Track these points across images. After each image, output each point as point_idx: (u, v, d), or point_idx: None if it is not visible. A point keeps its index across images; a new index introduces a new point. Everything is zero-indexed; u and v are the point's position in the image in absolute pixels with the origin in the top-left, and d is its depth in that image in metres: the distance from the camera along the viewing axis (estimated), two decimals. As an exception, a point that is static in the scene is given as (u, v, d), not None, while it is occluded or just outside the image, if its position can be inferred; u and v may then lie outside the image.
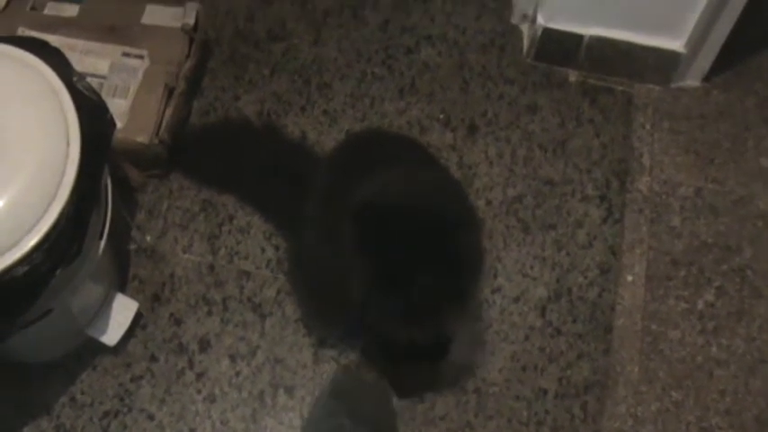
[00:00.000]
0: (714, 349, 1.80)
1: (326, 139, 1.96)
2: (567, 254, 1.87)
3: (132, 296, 1.78)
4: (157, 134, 1.81)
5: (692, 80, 2.03)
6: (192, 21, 1.92)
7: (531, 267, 1.86)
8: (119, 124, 1.61)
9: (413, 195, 1.42)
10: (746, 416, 1.74)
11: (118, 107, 1.79)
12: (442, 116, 2.01)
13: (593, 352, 1.79)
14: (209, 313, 1.79)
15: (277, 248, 1.85)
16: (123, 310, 1.73)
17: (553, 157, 1.97)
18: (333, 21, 2.12)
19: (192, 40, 1.92)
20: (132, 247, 1.84)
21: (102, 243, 1.57)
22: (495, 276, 1.85)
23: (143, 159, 1.83)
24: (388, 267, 1.39)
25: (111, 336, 1.71)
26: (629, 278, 1.85)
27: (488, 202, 1.91)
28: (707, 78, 2.04)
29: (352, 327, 1.71)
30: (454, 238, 1.40)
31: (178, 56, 1.89)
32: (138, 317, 1.75)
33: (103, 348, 1.72)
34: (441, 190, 1.51)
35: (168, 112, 1.83)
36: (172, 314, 1.79)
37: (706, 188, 1.93)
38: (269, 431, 1.71)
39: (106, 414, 1.71)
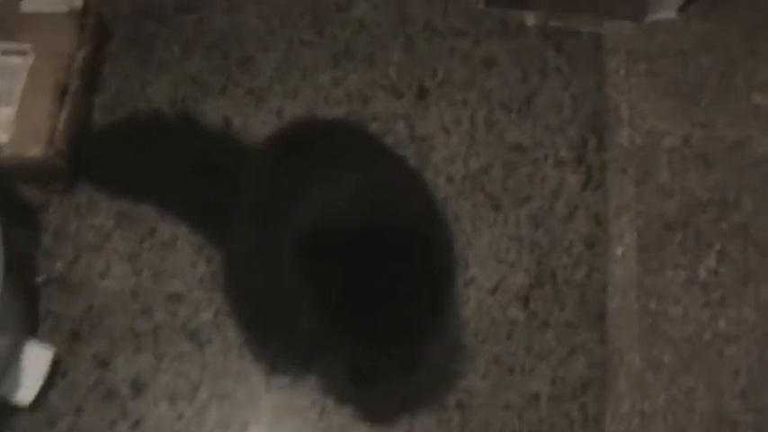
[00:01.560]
0: (722, 323, 1.55)
1: (254, 123, 1.66)
2: (547, 230, 1.61)
3: (47, 337, 1.50)
4: (53, 144, 1.49)
5: (666, 11, 1.74)
6: (79, 2, 1.59)
7: (507, 251, 1.59)
8: (4, 137, 1.42)
9: (364, 213, 1.21)
10: (766, 395, 1.51)
11: (1, 116, 1.49)
12: (385, 82, 1.71)
13: (588, 343, 1.54)
14: (139, 349, 1.51)
15: (209, 262, 1.56)
16: (36, 360, 1.44)
17: (519, 118, 1.69)
18: (248, -19, 1.78)
19: (82, 26, 1.59)
20: (41, 278, 1.53)
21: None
22: (467, 266, 1.58)
23: (39, 175, 1.51)
24: (341, 301, 1.19)
25: (25, 393, 1.43)
26: (619, 251, 1.60)
27: (449, 179, 1.63)
28: (683, 8, 1.75)
29: (308, 346, 1.41)
30: (420, 255, 1.19)
31: (68, 46, 1.56)
32: (56, 363, 1.47)
33: (19, 408, 1.44)
34: (395, 198, 1.23)
35: (63, 115, 1.51)
36: (95, 354, 1.50)
37: (694, 135, 1.67)
38: (223, 483, 1.44)
39: None
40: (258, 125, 1.65)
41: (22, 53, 1.53)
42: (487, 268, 1.57)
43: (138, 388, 1.48)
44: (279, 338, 1.45)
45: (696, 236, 1.60)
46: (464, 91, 1.71)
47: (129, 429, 1.46)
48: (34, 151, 1.48)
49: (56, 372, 1.48)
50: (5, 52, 1.54)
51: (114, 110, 1.66)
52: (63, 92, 1.53)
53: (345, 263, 1.18)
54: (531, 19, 1.76)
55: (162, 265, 1.56)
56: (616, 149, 1.66)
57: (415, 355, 1.42)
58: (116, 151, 1.61)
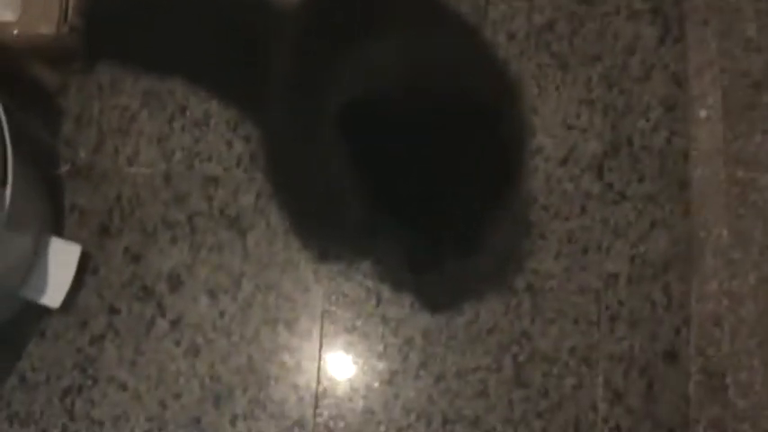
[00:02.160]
0: None
1: None
2: (621, 91, 1.43)
3: (73, 233, 1.38)
4: (66, 19, 1.33)
5: None
6: None
7: (578, 116, 1.42)
8: (10, 16, 1.27)
9: (414, 79, 1.00)
10: None
11: (5, -9, 1.32)
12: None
13: (670, 217, 1.38)
14: (174, 240, 1.38)
15: (247, 140, 1.41)
16: (63, 259, 1.32)
17: None
18: None
19: None
20: (63, 169, 1.39)
21: (9, 186, 1.11)
22: (534, 134, 1.41)
23: (54, 55, 1.35)
24: (393, 179, 1.01)
25: (54, 295, 1.31)
26: (703, 113, 1.42)
27: (510, 37, 1.45)
28: None
29: (360, 230, 1.24)
30: (480, 124, 0.99)
31: None
32: (84, 260, 1.34)
33: (49, 310, 1.32)
34: (450, 61, 1.04)
35: (75, -15, 1.32)
36: (127, 249, 1.38)
37: (787, -21, 1.44)
38: (274, 382, 1.31)
39: (67, 391, 1.34)
40: None
41: None
42: (556, 135, 1.41)
43: (175, 283, 1.36)
44: (327, 223, 1.27)
45: (788, 94, 1.40)
46: None
47: (168, 328, 1.34)
48: (45, 28, 1.32)
49: (86, 269, 1.36)
50: None
51: None
52: (72, -39, 1.35)
53: (395, 136, 1.00)
54: None
55: (195, 147, 1.41)
56: (696, -2, 1.45)
57: (478, 237, 1.27)
58: (137, 21, 1.41)
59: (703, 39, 1.43)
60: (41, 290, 1.29)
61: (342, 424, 1.31)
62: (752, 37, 1.42)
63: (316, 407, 1.31)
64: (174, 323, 1.34)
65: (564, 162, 1.39)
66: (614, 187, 1.38)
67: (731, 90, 1.40)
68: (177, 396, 1.32)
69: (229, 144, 1.39)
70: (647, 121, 1.40)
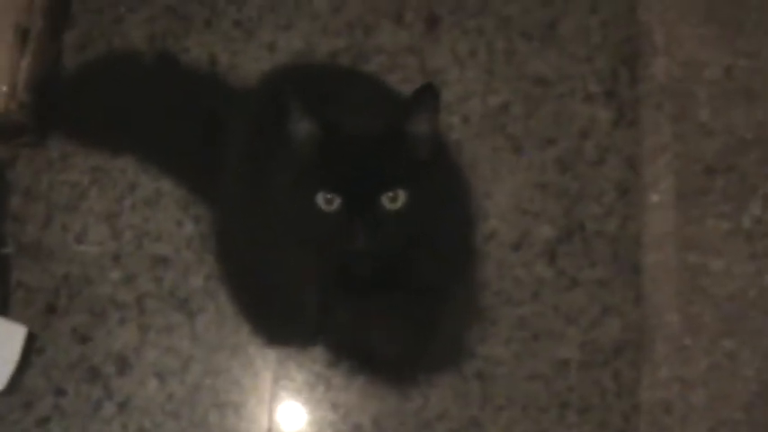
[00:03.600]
0: None
1: (243, 60, 1.45)
2: (575, 176, 1.41)
3: (20, 312, 1.34)
4: (14, 95, 1.29)
5: None
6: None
7: (531, 200, 1.40)
8: None
9: (365, 161, 0.98)
10: (819, 358, 1.34)
11: (-46, 66, 1.27)
12: (391, 9, 1.48)
13: (621, 303, 1.36)
14: (122, 321, 1.34)
15: (197, 220, 1.37)
16: (8, 340, 1.29)
17: (542, 47, 1.47)
18: None
19: (42, -44, 1.34)
20: (8, 249, 1.32)
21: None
22: (487, 218, 1.38)
23: (3, 129, 1.31)
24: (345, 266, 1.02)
25: None
26: (655, 198, 1.40)
27: (465, 119, 1.43)
28: None
29: (311, 317, 1.21)
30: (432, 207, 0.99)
31: (27, -19, 1.32)
32: (30, 340, 1.31)
33: None
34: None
35: (25, 62, 1.30)
36: (74, 329, 1.34)
37: (738, 66, 1.44)
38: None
39: None
40: (247, 62, 1.45)
41: (-29, -7, 1.31)
42: (509, 220, 1.38)
43: (122, 365, 1.32)
44: (278, 307, 1.23)
45: (740, 180, 1.39)
46: (479, 18, 1.48)
47: (115, 411, 1.30)
48: (-7, 104, 1.27)
49: (32, 350, 1.31)
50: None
51: (86, 49, 1.46)
52: (24, 35, 1.32)
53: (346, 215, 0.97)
54: (552, -67, 1.52)
55: (145, 226, 1.38)
56: (650, 82, 1.44)
57: (430, 322, 1.24)
58: (89, 97, 1.40)
59: (657, 123, 1.42)
60: (-15, 372, 1.24)
61: None
62: (705, 121, 1.42)
63: (264, 493, 1.28)
64: (122, 406, 1.30)
65: (517, 247, 1.36)
66: (567, 273, 1.36)
67: (684, 175, 1.40)
68: (123, 481, 1.28)
69: (180, 224, 1.36)
70: (601, 206, 1.39)
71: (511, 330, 1.33)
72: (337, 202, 0.94)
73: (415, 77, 1.42)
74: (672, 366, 1.32)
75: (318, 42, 1.44)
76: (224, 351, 1.31)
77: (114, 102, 1.36)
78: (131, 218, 1.37)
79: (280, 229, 1.04)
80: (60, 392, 1.30)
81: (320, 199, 0.94)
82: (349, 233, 0.94)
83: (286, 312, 1.22)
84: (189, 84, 1.40)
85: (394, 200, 0.94)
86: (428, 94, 0.96)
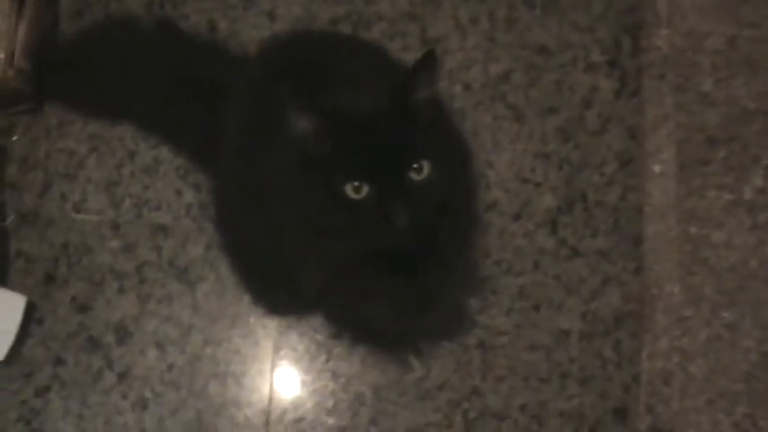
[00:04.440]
0: None
1: (242, 27, 1.41)
2: (576, 145, 1.38)
3: (19, 281, 1.31)
4: (12, 62, 1.26)
5: None
6: None
7: (532, 170, 1.37)
8: None
9: (372, 131, 0.94)
10: (819, 328, 1.33)
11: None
12: (392, -25, 1.44)
13: (622, 273, 1.34)
14: (122, 290, 1.31)
15: (197, 189, 1.34)
16: (7, 310, 1.26)
17: (543, 16, 1.43)
18: None
19: None
20: (9, 219, 1.30)
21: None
22: (488, 188, 1.35)
23: (0, 97, 1.25)
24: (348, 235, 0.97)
25: None
26: (657, 168, 1.38)
27: (466, 87, 1.39)
28: None
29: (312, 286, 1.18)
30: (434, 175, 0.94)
31: (23, -57, 1.28)
32: (29, 310, 1.28)
33: None
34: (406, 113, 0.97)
35: (22, 28, 1.27)
36: (74, 298, 1.31)
37: (741, 36, 1.43)
38: (222, 437, 1.26)
39: None
40: (247, 29, 1.41)
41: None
42: (510, 190, 1.35)
43: (122, 335, 1.29)
44: (279, 276, 1.19)
45: (742, 150, 1.38)
46: None
47: (115, 381, 1.28)
48: (-10, 70, 1.23)
49: (31, 320, 1.29)
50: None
51: (83, 15, 1.41)
52: (20, 1, 1.28)
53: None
54: None
55: (144, 194, 1.34)
56: (653, 52, 1.42)
57: (431, 291, 1.21)
58: (87, 64, 1.35)
59: (660, 93, 1.40)
60: (-16, 342, 1.22)
61: (290, 481, 1.26)
62: (708, 92, 1.40)
63: (264, 462, 1.26)
64: (122, 375, 1.27)
65: (518, 217, 1.34)
66: (568, 243, 1.33)
67: (686, 145, 1.37)
68: (124, 450, 1.26)
69: (179, 193, 1.33)
70: (602, 175, 1.36)
71: (512, 300, 1.31)
72: (366, 188, 0.91)
73: (415, 45, 1.39)
74: (672, 337, 1.31)
75: (318, 9, 1.40)
76: (224, 320, 1.29)
77: (112, 69, 1.32)
78: (130, 186, 1.33)
79: (294, 221, 1.02)
80: (60, 362, 1.27)
81: (348, 189, 0.91)
82: (388, 215, 0.91)
83: (286, 281, 1.19)
84: (188, 51, 1.35)
85: (420, 171, 0.91)
86: (429, 60, 0.93)
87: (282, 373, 1.28)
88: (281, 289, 1.23)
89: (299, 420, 1.27)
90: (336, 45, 1.25)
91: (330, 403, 1.27)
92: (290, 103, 0.92)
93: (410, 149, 0.92)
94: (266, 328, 1.29)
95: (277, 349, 1.28)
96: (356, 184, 0.90)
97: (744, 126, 1.38)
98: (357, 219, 0.92)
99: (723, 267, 1.33)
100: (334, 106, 0.93)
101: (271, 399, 1.27)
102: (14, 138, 1.32)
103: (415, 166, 0.91)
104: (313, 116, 0.91)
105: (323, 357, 1.28)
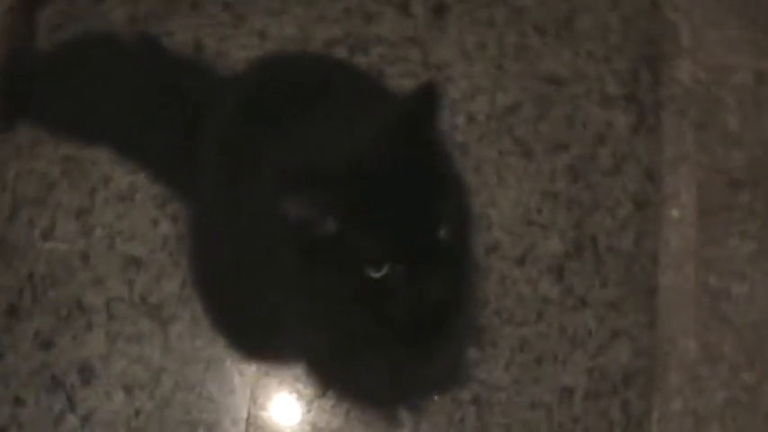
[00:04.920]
0: None
1: (231, 47, 1.34)
2: (588, 185, 1.31)
3: None
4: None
5: None
6: None
7: (539, 211, 1.30)
8: None
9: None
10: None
11: None
12: (394, -5, 1.38)
13: (633, 327, 1.27)
14: (89, 326, 1.24)
15: (174, 219, 1.27)
16: None
17: (556, 44, 1.37)
18: None
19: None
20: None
21: None
22: (490, 228, 1.28)
23: (-33, 114, 1.19)
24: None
25: None
26: (675, 213, 1.31)
27: (471, 119, 1.33)
28: None
29: (292, 329, 1.09)
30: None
31: (-2, -51, 1.22)
32: None
33: None
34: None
35: (-6, 41, 1.17)
36: (37, 333, 1.24)
37: (770, 72, 1.36)
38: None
39: None
40: (235, 50, 1.34)
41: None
42: (514, 232, 1.28)
43: (87, 375, 1.21)
44: (256, 319, 1.11)
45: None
46: (490, 8, 1.38)
47: (78, 425, 1.20)
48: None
49: None
50: None
51: (61, 29, 1.35)
52: (-9, 9, 1.20)
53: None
54: None
55: (117, 224, 1.27)
56: (674, 86, 1.35)
57: (426, 343, 1.12)
58: (64, 81, 1.28)
59: (680, 130, 1.34)
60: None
61: None
62: (733, 130, 1.34)
63: None
64: (85, 419, 1.20)
65: (521, 262, 1.26)
66: (575, 292, 1.26)
67: (707, 188, 1.32)
68: (84, 501, 1.18)
69: (155, 223, 1.26)
70: (615, 219, 1.29)
71: (512, 353, 1.24)
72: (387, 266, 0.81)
73: (417, 71, 1.32)
74: (686, 398, 1.24)
75: (313, 30, 1.34)
76: (198, 364, 1.21)
77: (89, 87, 1.25)
78: (103, 214, 1.27)
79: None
80: (19, 402, 1.20)
81: (368, 271, 0.81)
82: (422, 292, 0.83)
83: (265, 322, 1.11)
84: (171, 71, 1.27)
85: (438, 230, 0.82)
86: (428, 95, 0.84)
87: (258, 425, 1.20)
88: (258, 330, 1.15)
89: (274, 478, 1.18)
90: (328, 70, 1.18)
91: (309, 461, 1.18)
92: (282, 186, 0.81)
93: (434, 212, 0.82)
94: (243, 375, 1.21)
95: (254, 398, 1.20)
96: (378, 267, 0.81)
97: (771, 169, 1.30)
98: (375, 295, 0.83)
99: (744, 323, 1.27)
100: (331, 169, 0.83)
101: (245, 453, 1.18)
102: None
103: (441, 230, 0.82)
104: (312, 193, 0.81)
105: (304, 409, 1.20)
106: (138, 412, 1.19)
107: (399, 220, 0.81)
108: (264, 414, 1.20)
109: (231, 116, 1.09)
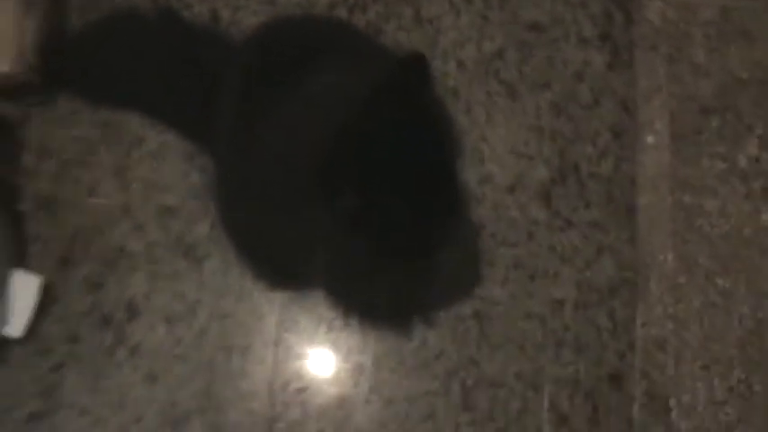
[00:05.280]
0: (765, 216, 1.36)
1: (245, 15, 1.43)
2: (569, 118, 1.39)
3: (37, 262, 1.34)
4: (22, 56, 1.30)
5: None
6: None
7: (526, 143, 1.38)
8: None
9: (366, 109, 0.96)
10: (813, 293, 1.31)
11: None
12: (388, -43, 1.46)
13: (616, 242, 1.36)
14: (132, 268, 1.34)
15: (203, 170, 1.37)
16: (24, 289, 1.29)
17: None
18: None
19: None
20: (26, 204, 1.34)
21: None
22: (482, 162, 1.38)
23: (13, 90, 1.32)
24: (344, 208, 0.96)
25: (16, 324, 1.28)
26: (650, 139, 1.39)
27: (460, 64, 1.41)
28: None
29: (312, 260, 1.21)
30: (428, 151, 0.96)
31: (31, -59, 1.33)
32: (47, 290, 1.31)
33: (11, 339, 1.29)
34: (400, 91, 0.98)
35: (32, 23, 1.30)
36: (86, 278, 1.34)
37: (734, 7, 1.42)
38: (229, 407, 1.30)
39: (31, 417, 1.30)
40: (249, 17, 1.43)
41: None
42: (505, 163, 1.37)
43: (133, 311, 1.33)
44: (280, 253, 1.23)
45: (736, 119, 1.38)
46: None
47: (127, 356, 1.32)
48: (1, 66, 1.28)
49: (47, 299, 1.32)
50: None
51: (90, 9, 1.43)
52: (28, -2, 1.32)
53: (345, 164, 0.95)
54: None
55: (152, 177, 1.37)
56: (645, 24, 1.42)
57: (429, 263, 1.24)
58: (95, 55, 1.38)
59: (652, 64, 1.40)
60: (4, 319, 1.27)
61: (294, 448, 1.30)
62: (701, 62, 1.39)
63: (269, 431, 1.30)
64: (133, 350, 1.31)
65: (512, 190, 1.36)
66: (561, 214, 1.35)
67: (679, 116, 1.37)
68: (138, 420, 1.29)
69: (185, 175, 1.36)
70: (595, 147, 1.37)
71: (507, 271, 1.33)
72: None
73: (410, 26, 1.41)
74: (666, 304, 1.32)
75: None
76: (230, 296, 1.32)
77: (118, 60, 1.35)
78: (139, 170, 1.37)
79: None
80: (74, 339, 1.32)
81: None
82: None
83: (288, 255, 1.23)
84: (191, 39, 1.37)
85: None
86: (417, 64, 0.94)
87: (285, 346, 1.31)
88: (282, 264, 1.27)
89: (301, 390, 1.30)
90: (329, 30, 1.28)
91: (332, 373, 1.31)
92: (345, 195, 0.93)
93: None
94: (270, 303, 1.32)
95: (280, 322, 1.32)
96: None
97: (737, 95, 1.37)
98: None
99: (717, 235, 1.33)
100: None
101: (274, 370, 1.31)
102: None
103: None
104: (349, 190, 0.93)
105: (324, 329, 1.31)
106: (179, 341, 1.31)
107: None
108: (291, 336, 1.31)
109: (246, 77, 1.18)
